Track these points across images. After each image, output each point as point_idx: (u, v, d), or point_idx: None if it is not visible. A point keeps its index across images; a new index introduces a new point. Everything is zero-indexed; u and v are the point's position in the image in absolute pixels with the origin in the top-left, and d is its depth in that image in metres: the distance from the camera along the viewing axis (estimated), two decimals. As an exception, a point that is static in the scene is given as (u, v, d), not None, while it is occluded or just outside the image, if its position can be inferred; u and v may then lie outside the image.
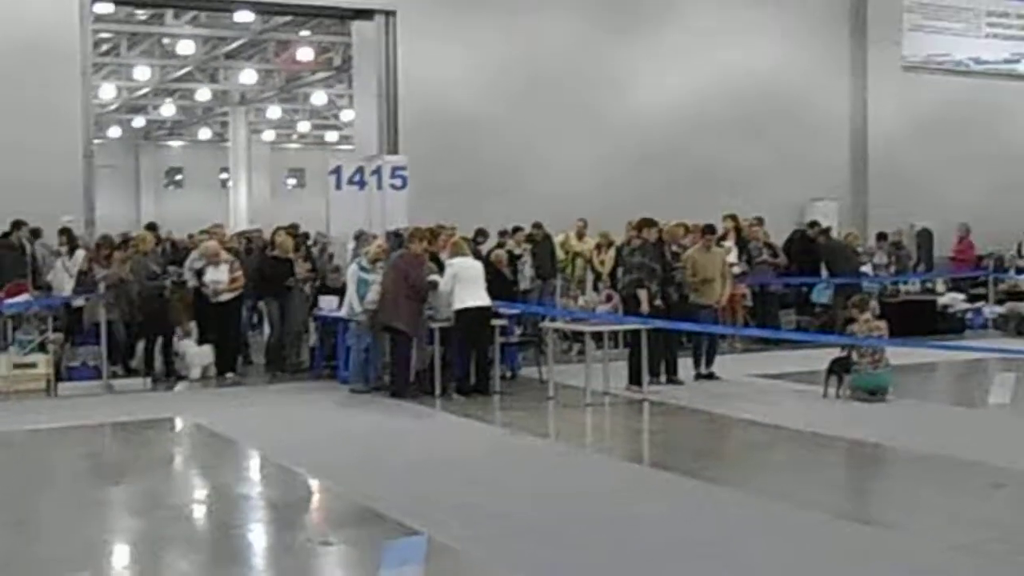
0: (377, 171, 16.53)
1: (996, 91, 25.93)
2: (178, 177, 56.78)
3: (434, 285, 13.32)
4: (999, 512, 8.02)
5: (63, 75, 17.96)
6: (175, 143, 55.79)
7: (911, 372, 14.21)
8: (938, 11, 25.54)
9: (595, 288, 17.58)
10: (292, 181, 57.36)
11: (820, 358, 13.26)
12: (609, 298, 14.14)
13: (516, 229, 17.49)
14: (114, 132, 50.50)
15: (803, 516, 7.74)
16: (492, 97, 20.83)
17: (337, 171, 16.51)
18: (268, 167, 50.18)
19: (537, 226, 18.41)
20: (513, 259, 16.44)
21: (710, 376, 14.23)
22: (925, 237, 24.32)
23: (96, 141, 19.75)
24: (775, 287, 18.56)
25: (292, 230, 16.88)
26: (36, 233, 16.34)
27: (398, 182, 16.66)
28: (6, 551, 7.17)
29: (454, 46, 20.61)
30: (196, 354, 14.88)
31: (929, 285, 21.28)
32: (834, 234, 20.14)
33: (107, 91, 38.93)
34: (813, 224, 20.13)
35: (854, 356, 12.39)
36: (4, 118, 17.28)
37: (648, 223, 13.64)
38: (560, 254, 18.83)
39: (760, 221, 18.67)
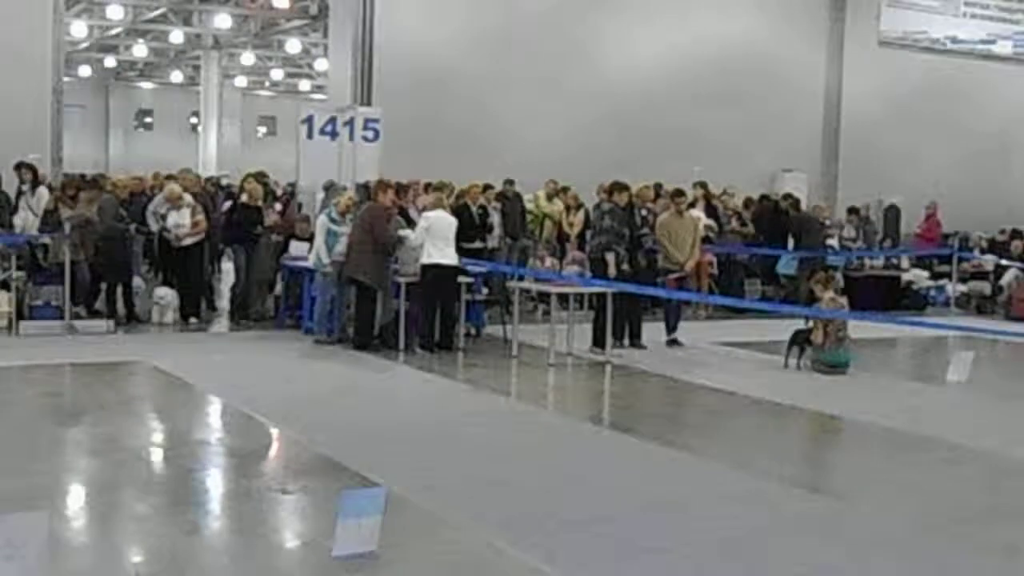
0: (350, 122, 16.43)
1: (971, 71, 26.06)
2: (148, 120, 56.24)
3: (401, 240, 13.30)
4: (949, 486, 8.13)
5: (35, 10, 17.72)
6: (146, 85, 55.22)
7: (872, 346, 14.35)
8: (917, -12, 25.60)
9: (563, 249, 17.57)
10: (263, 129, 56.93)
11: (783, 329, 13.36)
12: (576, 260, 14.17)
13: (487, 187, 17.49)
14: (84, 71, 49.92)
15: (757, 484, 7.82)
16: (468, 54, 20.72)
17: (309, 120, 16.42)
18: (239, 114, 49.76)
19: (509, 182, 18.40)
20: (484, 215, 16.44)
21: (673, 342, 14.29)
22: (893, 213, 24.49)
23: (65, 80, 19.49)
24: (741, 256, 18.65)
25: (261, 178, 16.75)
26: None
27: (370, 134, 16.58)
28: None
29: (432, 1, 20.47)
30: (166, 297, 14.83)
31: (894, 261, 21.44)
32: (803, 206, 20.22)
33: (78, 29, 38.42)
34: (787, 196, 20.21)
35: (817, 337, 12.47)
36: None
37: (619, 187, 13.65)
38: (530, 215, 18.80)
39: (731, 193, 18.76)
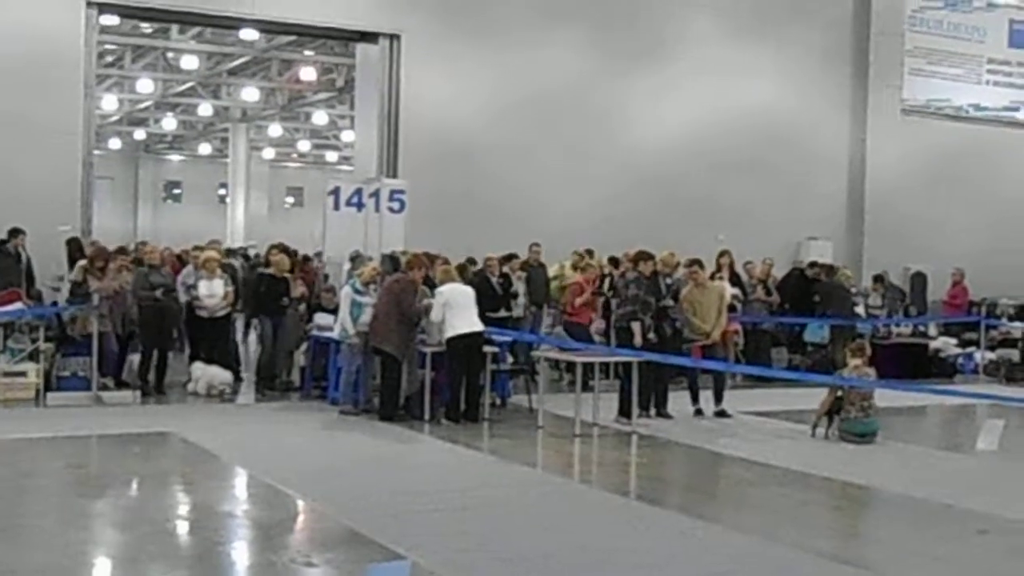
0: (375, 194, 16.53)
1: (995, 138, 26.03)
2: (176, 191, 56.88)
3: (428, 310, 13.34)
4: (980, 558, 8.02)
5: (66, 85, 17.98)
6: (175, 157, 55.91)
7: (900, 415, 14.23)
8: (940, 56, 25.65)
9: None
10: (290, 200, 57.46)
11: (811, 397, 13.28)
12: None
13: (511, 256, 17.53)
14: (114, 144, 50.61)
15: (786, 555, 7.73)
16: (492, 126, 20.89)
17: (336, 192, 16.51)
18: (267, 185, 50.27)
19: (535, 245, 18.42)
20: (508, 283, 16.40)
21: (721, 414, 14.16)
22: (919, 281, 24.38)
23: (96, 152, 19.76)
24: (768, 325, 18.59)
25: (283, 249, 16.80)
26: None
27: (396, 205, 16.65)
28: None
29: (457, 73, 20.69)
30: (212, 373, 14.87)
31: (921, 329, 21.31)
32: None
33: (109, 102, 39.05)
34: (813, 264, 20.18)
35: (827, 404, 12.41)
36: (5, 126, 17.30)
37: (644, 256, 13.67)
38: (553, 284, 18.81)
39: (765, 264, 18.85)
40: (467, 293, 13.52)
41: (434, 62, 20.37)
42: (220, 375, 14.82)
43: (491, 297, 15.44)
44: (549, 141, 21.29)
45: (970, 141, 25.64)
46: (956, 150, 25.37)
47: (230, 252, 19.92)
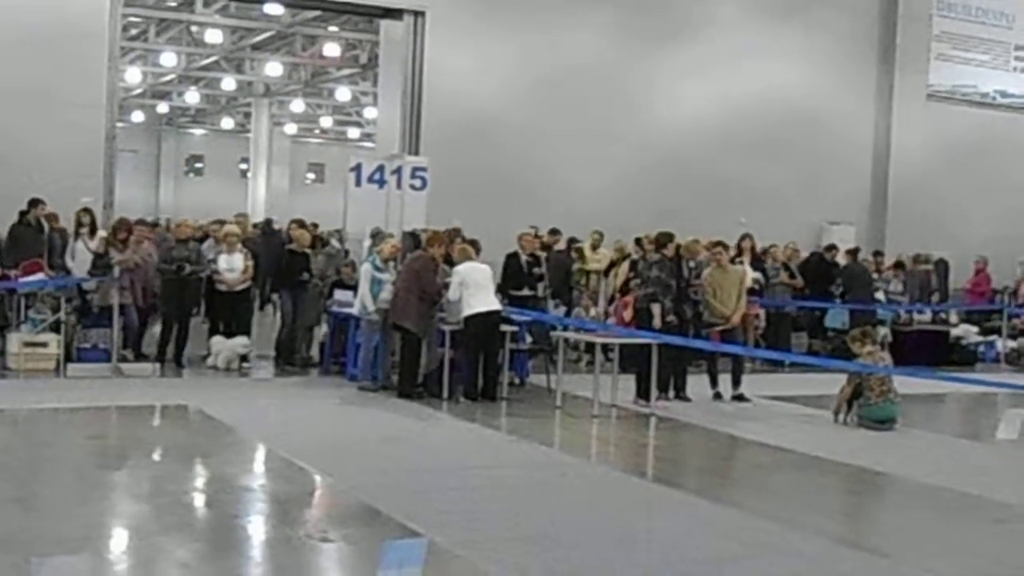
0: (398, 171, 16.51)
1: (1021, 125, 25.83)
2: (198, 165, 56.97)
3: (448, 287, 13.34)
4: (998, 546, 7.97)
5: (91, 57, 17.99)
6: (197, 131, 56.01)
7: (920, 402, 14.16)
8: (966, 42, 25.45)
9: (610, 301, 17.53)
10: (311, 175, 57.50)
11: (830, 383, 13.23)
12: (625, 305, 14.21)
13: (554, 231, 17.56)
14: (137, 117, 50.73)
15: (802, 540, 7.71)
16: (515, 104, 20.83)
17: (357, 168, 16.50)
18: (288, 160, 50.32)
19: (554, 232, 18.40)
20: (534, 263, 16.19)
21: (739, 398, 14.12)
22: (941, 267, 24.24)
23: (119, 125, 19.78)
24: (791, 309, 18.50)
25: (301, 224, 16.80)
26: (52, 218, 16.21)
27: (418, 183, 16.64)
28: (5, 528, 7.17)
29: (481, 50, 20.63)
30: (231, 345, 14.89)
31: (943, 316, 21.22)
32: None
33: (132, 75, 39.10)
34: (831, 247, 20.11)
35: (848, 392, 12.35)
36: (29, 98, 17.32)
37: (668, 238, 13.63)
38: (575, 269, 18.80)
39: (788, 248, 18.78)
40: (484, 272, 13.50)
41: (458, 39, 20.31)
42: (239, 342, 14.84)
43: (517, 275, 15.34)
44: (572, 121, 21.22)
45: (996, 128, 25.44)
46: (981, 137, 25.18)
47: (256, 227, 19.88)
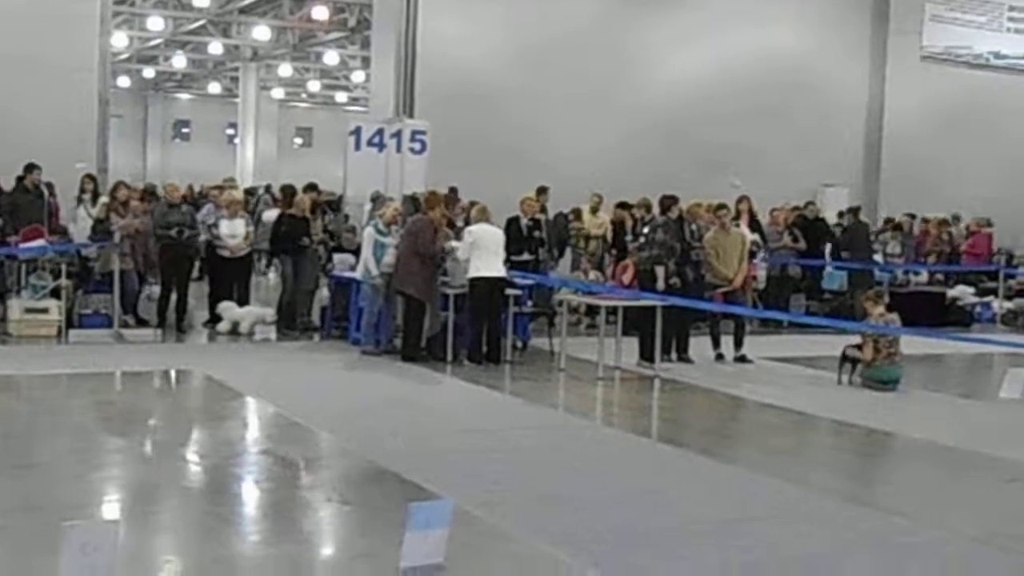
0: (397, 134, 16.45)
1: (1015, 86, 25.86)
2: (185, 130, 56.65)
3: (449, 251, 13.30)
4: (1014, 504, 8.04)
5: (82, 21, 17.85)
6: (184, 96, 55.67)
7: (920, 363, 14.23)
8: (960, 3, 25.44)
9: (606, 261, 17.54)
10: (299, 140, 57.24)
11: (830, 344, 13.27)
12: (624, 269, 14.21)
13: (543, 189, 17.47)
14: (123, 82, 50.32)
15: (813, 499, 7.75)
16: (511, 67, 20.76)
17: (357, 132, 16.45)
18: (276, 125, 50.04)
19: (541, 190, 18.33)
20: (535, 227, 16.15)
21: (742, 359, 14.12)
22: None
23: (107, 90, 19.66)
24: (794, 271, 18.42)
25: (315, 187, 16.73)
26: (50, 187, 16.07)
27: (417, 146, 16.60)
28: (10, 494, 7.13)
29: (476, 14, 20.54)
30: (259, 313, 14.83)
31: (939, 277, 21.28)
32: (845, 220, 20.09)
33: (119, 40, 38.72)
34: (809, 203, 19.99)
35: (867, 354, 12.34)
36: (20, 63, 17.19)
37: (672, 200, 13.62)
38: (573, 231, 18.75)
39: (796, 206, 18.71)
40: (496, 236, 13.45)
41: (453, 2, 20.18)
42: (267, 312, 14.77)
43: (517, 239, 15.30)
44: (567, 84, 21.16)
45: (990, 89, 25.48)
46: (975, 98, 25.22)
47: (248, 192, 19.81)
